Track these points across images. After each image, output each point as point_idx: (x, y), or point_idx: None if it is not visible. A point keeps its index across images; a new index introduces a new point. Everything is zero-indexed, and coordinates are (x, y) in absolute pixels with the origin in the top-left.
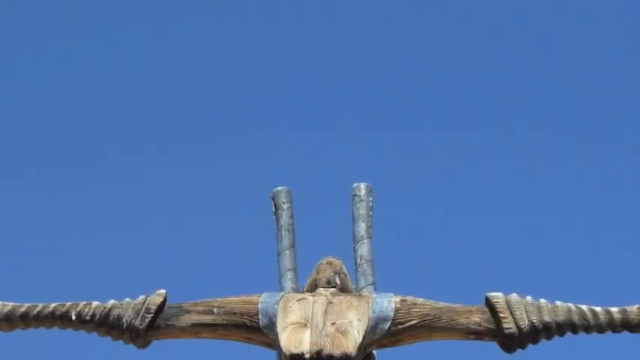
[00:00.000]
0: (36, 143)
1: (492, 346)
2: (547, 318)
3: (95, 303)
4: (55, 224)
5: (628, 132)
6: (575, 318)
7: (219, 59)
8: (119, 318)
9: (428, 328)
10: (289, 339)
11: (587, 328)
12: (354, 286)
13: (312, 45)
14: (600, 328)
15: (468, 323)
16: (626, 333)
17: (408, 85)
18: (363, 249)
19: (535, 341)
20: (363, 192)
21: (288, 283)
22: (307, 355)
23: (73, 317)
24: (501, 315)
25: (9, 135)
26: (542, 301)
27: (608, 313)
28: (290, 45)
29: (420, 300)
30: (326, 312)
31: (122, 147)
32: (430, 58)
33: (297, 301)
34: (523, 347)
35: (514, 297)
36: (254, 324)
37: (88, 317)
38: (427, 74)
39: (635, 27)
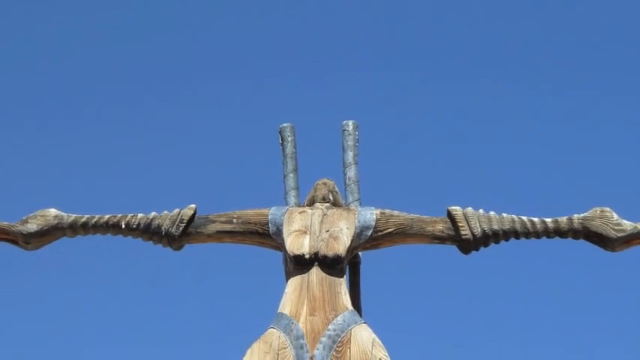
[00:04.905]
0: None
1: (452, 249)
2: (495, 226)
3: (140, 215)
4: (110, 155)
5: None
6: (518, 226)
7: (244, 11)
8: (159, 226)
9: (402, 234)
10: (293, 243)
11: (527, 235)
12: (343, 202)
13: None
14: (537, 235)
15: (434, 231)
16: (557, 238)
17: (390, 36)
18: (351, 172)
19: (486, 245)
20: (351, 127)
21: (292, 199)
22: (307, 256)
23: (123, 226)
24: (459, 224)
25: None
26: (492, 213)
27: (544, 222)
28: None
29: (395, 212)
30: (322, 222)
31: (161, 90)
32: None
33: (299, 213)
34: (477, 249)
35: (469, 210)
36: (265, 231)
37: (134, 226)
38: (409, 23)
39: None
